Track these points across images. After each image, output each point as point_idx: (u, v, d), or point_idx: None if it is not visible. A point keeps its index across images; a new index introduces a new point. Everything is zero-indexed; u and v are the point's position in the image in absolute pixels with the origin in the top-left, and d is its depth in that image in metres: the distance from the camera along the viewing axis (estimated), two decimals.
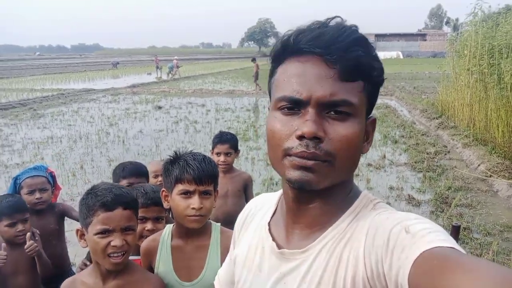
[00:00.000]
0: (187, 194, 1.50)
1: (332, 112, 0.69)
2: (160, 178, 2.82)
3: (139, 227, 1.70)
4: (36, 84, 23.76)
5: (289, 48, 0.72)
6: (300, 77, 0.70)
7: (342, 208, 0.76)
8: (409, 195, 5.77)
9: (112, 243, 1.36)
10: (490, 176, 6.21)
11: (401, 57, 64.32)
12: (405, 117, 12.46)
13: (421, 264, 0.55)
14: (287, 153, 0.70)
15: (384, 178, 6.66)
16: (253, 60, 20.99)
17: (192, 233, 1.56)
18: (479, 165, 6.90)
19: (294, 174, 0.70)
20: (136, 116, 12.99)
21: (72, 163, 7.58)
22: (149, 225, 1.82)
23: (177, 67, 28.89)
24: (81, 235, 1.45)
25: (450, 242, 0.58)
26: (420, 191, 6.02)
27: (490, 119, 8.22)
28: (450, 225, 2.47)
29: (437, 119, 11.14)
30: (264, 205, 0.92)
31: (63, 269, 2.62)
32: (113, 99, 17.45)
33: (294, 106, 0.70)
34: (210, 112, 13.72)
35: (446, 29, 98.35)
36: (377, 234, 0.66)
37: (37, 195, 2.45)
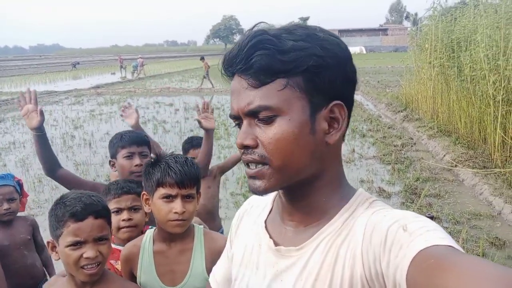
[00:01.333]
0: (169, 198, 1.45)
1: (260, 119, 0.72)
2: None
3: (115, 219, 1.67)
4: None
5: (223, 73, 0.78)
6: (232, 95, 0.76)
7: (335, 205, 0.76)
8: (379, 187, 5.91)
9: (85, 255, 1.30)
10: (456, 166, 6.44)
11: (364, 52, 65.68)
12: (371, 111, 12.75)
13: (419, 262, 0.56)
14: (244, 163, 0.77)
15: (354, 171, 6.78)
16: (202, 59, 21.59)
17: (175, 237, 1.52)
18: (444, 156, 7.14)
19: (249, 183, 0.77)
20: (102, 117, 12.66)
21: (37, 168, 7.27)
22: (124, 215, 1.75)
23: (142, 65, 28.35)
24: (53, 247, 1.38)
25: (448, 240, 0.58)
26: (390, 183, 6.18)
27: (452, 110, 8.53)
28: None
29: (402, 112, 11.46)
30: (260, 204, 0.93)
31: (36, 280, 2.52)
32: (76, 100, 16.93)
33: (238, 122, 0.76)
34: (179, 111, 13.55)
35: (406, 23, 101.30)
36: (375, 232, 0.66)
37: (5, 205, 2.32)
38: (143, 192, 1.55)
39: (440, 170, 6.58)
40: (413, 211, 4.15)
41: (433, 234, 0.59)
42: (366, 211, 0.73)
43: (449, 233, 4.43)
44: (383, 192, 5.73)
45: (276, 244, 0.80)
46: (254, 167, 0.73)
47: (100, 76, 30.82)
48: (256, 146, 0.72)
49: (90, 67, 43.94)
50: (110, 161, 2.14)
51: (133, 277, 1.57)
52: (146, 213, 1.74)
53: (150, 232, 1.59)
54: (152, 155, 2.12)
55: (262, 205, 0.92)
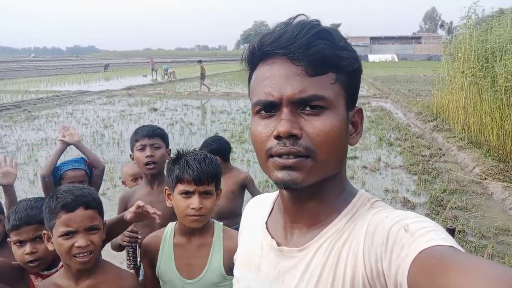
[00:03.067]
0: (187, 194, 1.51)
1: (307, 108, 0.70)
2: (139, 181, 2.68)
3: (19, 252, 1.62)
4: (30, 86, 23.61)
5: (256, 53, 0.74)
6: (270, 80, 0.71)
7: (338, 206, 0.76)
8: (404, 197, 5.78)
9: (76, 244, 1.37)
10: (485, 178, 6.23)
11: (396, 60, 64.63)
12: (400, 120, 12.50)
13: (420, 262, 0.55)
14: (269, 154, 0.71)
15: (379, 180, 6.67)
16: (199, 62, 22.12)
17: (195, 231, 1.57)
18: (474, 168, 6.92)
19: (279, 175, 0.71)
20: (131, 118, 12.94)
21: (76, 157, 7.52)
22: (27, 248, 1.62)
23: (171, 74, 28.96)
24: (48, 238, 1.46)
25: (449, 241, 0.58)
26: (415, 193, 6.03)
27: (484, 122, 8.26)
28: (445, 228, 2.47)
29: (432, 121, 11.18)
30: (261, 206, 0.93)
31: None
32: (108, 101, 17.39)
33: (269, 109, 0.72)
34: (206, 114, 13.71)
35: (441, 32, 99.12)
36: (376, 232, 0.66)
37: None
38: (165, 188, 1.61)
39: (468, 183, 6.38)
40: (438, 223, 4.09)
41: (435, 235, 0.59)
42: (368, 212, 0.73)
43: (474, 247, 4.31)
44: (408, 202, 5.60)
45: (278, 244, 0.80)
46: (293, 157, 0.69)
47: (132, 78, 31.53)
48: (300, 137, 0.69)
49: (123, 69, 45.09)
50: (130, 155, 2.23)
51: (153, 267, 1.62)
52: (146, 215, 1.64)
53: (171, 225, 1.65)
54: (169, 150, 2.18)
55: (262, 207, 0.92)
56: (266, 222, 0.87)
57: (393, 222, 0.64)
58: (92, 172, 2.56)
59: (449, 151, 8.51)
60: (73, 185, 1.51)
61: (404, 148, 8.68)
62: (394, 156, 8.22)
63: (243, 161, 7.74)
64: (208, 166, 1.53)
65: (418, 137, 9.84)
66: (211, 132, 10.51)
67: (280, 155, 0.70)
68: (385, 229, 0.64)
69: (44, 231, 1.47)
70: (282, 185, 0.71)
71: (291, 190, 0.75)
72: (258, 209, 0.93)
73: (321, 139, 0.69)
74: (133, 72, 38.05)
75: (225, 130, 10.59)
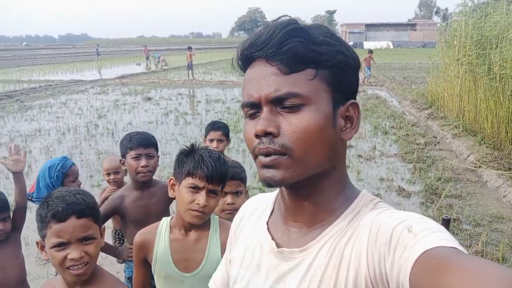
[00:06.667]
0: (195, 189, 1.50)
1: (285, 106, 0.70)
2: (112, 176, 2.87)
3: (220, 201, 1.72)
4: (23, 75, 23.37)
5: (240, 59, 0.76)
6: (251, 82, 0.73)
7: (338, 206, 0.76)
8: (399, 186, 5.80)
9: (69, 256, 1.27)
10: (480, 166, 6.26)
11: (391, 47, 64.49)
12: (395, 108, 12.51)
13: (422, 263, 0.55)
14: (255, 154, 0.73)
15: (374, 169, 6.69)
16: (189, 48, 21.35)
17: (192, 225, 1.57)
18: (468, 156, 6.96)
19: (260, 173, 0.73)
20: (125, 107, 12.86)
21: (61, 156, 7.48)
22: (229, 199, 1.88)
23: (163, 61, 28.85)
24: (42, 247, 1.35)
25: (452, 242, 0.58)
26: (410, 182, 6.06)
27: (479, 109, 8.28)
28: (440, 218, 2.47)
29: (426, 109, 11.20)
30: (260, 205, 0.92)
31: None
32: (101, 90, 17.24)
33: (253, 110, 0.74)
34: (200, 103, 13.64)
35: (436, 19, 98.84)
36: (380, 232, 0.65)
37: (78, 181, 2.65)
38: (171, 177, 1.59)
39: (463, 171, 6.41)
40: (432, 211, 4.08)
41: (438, 236, 0.59)
42: (371, 212, 0.72)
43: (469, 235, 4.35)
44: (403, 191, 5.63)
45: (278, 246, 0.79)
46: (271, 156, 0.71)
47: (126, 66, 31.25)
48: (277, 135, 0.70)
49: (116, 57, 44.67)
50: (120, 160, 2.29)
51: (146, 263, 1.61)
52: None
53: (166, 220, 1.64)
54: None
55: (262, 206, 0.91)
56: (267, 222, 0.86)
57: (397, 223, 0.64)
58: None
59: (443, 139, 8.54)
60: (67, 190, 1.39)
61: (399, 137, 8.70)
62: (389, 145, 8.25)
63: (238, 151, 7.74)
64: (221, 166, 1.53)
65: (413, 125, 9.86)
66: (206, 122, 10.46)
67: (261, 154, 0.71)
68: (389, 229, 0.64)
69: (37, 240, 1.38)
70: (263, 182, 0.72)
71: (288, 188, 0.77)
72: (259, 208, 0.91)
73: (297, 135, 0.69)
74: (127, 61, 37.71)
75: (220, 119, 10.53)
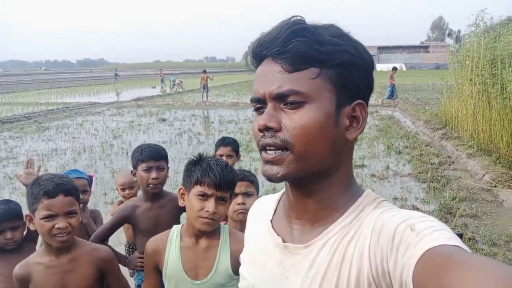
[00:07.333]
0: (204, 196, 1.53)
1: (287, 103, 0.73)
2: (127, 191, 2.92)
3: (232, 202, 1.80)
4: (41, 98, 23.96)
5: (251, 58, 0.80)
6: (259, 79, 0.77)
7: (342, 204, 0.76)
8: (413, 205, 5.73)
9: (56, 226, 1.56)
10: (495, 186, 6.16)
11: (404, 69, 64.39)
12: (409, 128, 12.44)
13: (426, 262, 0.55)
14: (259, 147, 0.76)
15: (388, 188, 6.62)
16: (204, 71, 22.51)
17: (202, 233, 1.59)
18: (483, 176, 6.85)
19: (264, 169, 0.75)
20: (140, 128, 13.04)
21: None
22: (239, 199, 1.97)
23: (178, 84, 29.36)
24: (30, 219, 1.64)
25: (455, 240, 0.58)
26: (424, 201, 5.98)
27: (494, 129, 8.19)
28: None
29: (440, 129, 11.11)
30: (265, 205, 0.94)
31: None
32: (117, 112, 17.54)
33: (260, 105, 0.77)
34: (214, 124, 13.76)
35: (449, 40, 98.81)
36: (383, 231, 0.66)
37: (85, 197, 2.55)
38: (180, 187, 1.63)
39: (478, 190, 6.30)
40: None
41: (441, 234, 0.59)
42: (374, 211, 0.73)
43: (485, 255, 4.23)
44: (417, 210, 5.53)
45: (284, 241, 0.81)
46: (273, 152, 0.73)
47: (141, 89, 31.81)
48: (279, 130, 0.72)
49: (132, 80, 45.54)
50: (131, 171, 2.33)
51: (157, 270, 1.64)
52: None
53: (177, 228, 1.67)
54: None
55: (267, 206, 0.93)
56: (271, 220, 0.87)
57: (400, 221, 0.64)
58: (91, 182, 2.62)
59: (458, 158, 8.43)
60: (54, 174, 1.68)
61: (413, 156, 8.62)
62: (403, 164, 8.17)
63: (251, 170, 7.74)
64: (229, 173, 1.56)
65: (427, 145, 9.76)
66: None
67: (264, 148, 0.74)
68: (392, 228, 0.64)
69: (27, 214, 1.65)
70: (265, 178, 0.75)
71: (291, 184, 0.79)
72: (263, 208, 0.93)
73: (297, 131, 0.71)
74: (142, 84, 38.43)
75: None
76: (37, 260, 1.67)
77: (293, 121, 0.71)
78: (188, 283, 1.56)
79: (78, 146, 10.28)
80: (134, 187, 2.93)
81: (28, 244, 2.36)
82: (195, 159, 1.61)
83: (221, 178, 1.52)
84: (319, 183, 0.76)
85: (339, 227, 0.73)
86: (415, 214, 0.66)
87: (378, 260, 0.64)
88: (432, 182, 6.78)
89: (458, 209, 5.41)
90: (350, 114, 0.76)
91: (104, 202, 6.12)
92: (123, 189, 2.94)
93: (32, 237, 2.40)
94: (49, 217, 1.56)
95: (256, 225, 0.92)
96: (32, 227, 1.64)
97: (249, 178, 2.02)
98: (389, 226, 0.65)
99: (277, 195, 0.92)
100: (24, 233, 2.34)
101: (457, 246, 0.56)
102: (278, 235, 0.82)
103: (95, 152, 9.58)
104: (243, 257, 0.93)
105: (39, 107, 19.28)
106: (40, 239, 2.47)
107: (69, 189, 1.61)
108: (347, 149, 0.78)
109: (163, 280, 1.63)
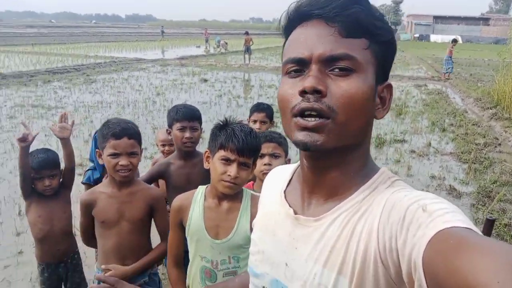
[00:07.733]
0: (227, 161, 1.57)
1: (336, 70, 0.70)
2: (167, 148, 2.98)
3: (258, 162, 1.88)
4: (90, 51, 24.66)
5: (293, 16, 0.75)
6: (302, 40, 0.72)
7: (358, 181, 0.76)
8: (450, 185, 5.57)
9: (120, 163, 1.82)
10: None
11: (460, 41, 60.81)
12: (457, 105, 11.88)
13: (437, 243, 0.55)
14: (293, 114, 0.71)
15: (426, 166, 6.45)
16: (246, 33, 21.82)
17: (225, 196, 1.65)
18: None
19: (299, 136, 0.71)
20: (182, 87, 13.24)
21: None
22: (266, 160, 2.06)
23: (223, 45, 29.16)
24: (99, 155, 1.89)
25: (467, 223, 0.57)
26: (463, 182, 5.79)
27: None
28: (485, 218, 2.37)
29: (491, 109, 10.54)
30: (280, 175, 0.94)
31: None
32: (161, 69, 17.83)
33: (299, 68, 0.72)
34: (254, 88, 13.73)
35: None
36: (394, 210, 0.66)
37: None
38: (206, 150, 1.68)
39: None
40: (483, 214, 3.86)
41: (453, 216, 0.58)
42: (387, 190, 0.72)
43: None
44: (454, 191, 5.40)
45: (295, 213, 0.82)
46: (314, 119, 0.69)
47: (186, 48, 31.98)
48: (325, 95, 0.69)
49: (178, 38, 45.80)
50: (167, 130, 2.42)
51: (181, 226, 1.72)
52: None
53: (202, 188, 1.73)
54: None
55: (281, 176, 0.93)
56: (284, 191, 0.88)
57: (411, 202, 0.64)
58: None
59: (506, 141, 8.03)
60: (121, 119, 1.94)
61: (458, 135, 8.29)
62: (446, 143, 7.89)
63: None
64: (253, 140, 1.58)
65: (474, 124, 9.33)
66: None
67: (303, 112, 0.70)
68: (403, 207, 0.64)
69: (97, 150, 1.92)
70: (301, 146, 0.71)
71: (312, 157, 0.76)
72: (278, 178, 0.94)
73: (344, 100, 0.69)
74: (188, 43, 38.57)
75: (272, 104, 10.55)
76: (102, 190, 1.96)
77: (341, 88, 0.69)
78: (208, 241, 1.63)
79: (123, 101, 10.62)
80: (173, 144, 3.02)
81: (63, 191, 2.54)
82: (221, 123, 1.64)
83: (244, 144, 1.54)
84: (342, 158, 0.75)
85: (351, 204, 0.74)
86: (427, 195, 0.66)
87: (387, 237, 0.64)
88: (474, 163, 6.53)
89: (498, 193, 5.21)
90: (380, 94, 0.76)
91: (144, 157, 6.34)
92: (163, 145, 3.03)
93: (67, 185, 2.56)
94: (114, 155, 1.82)
95: (270, 193, 0.93)
96: (100, 161, 1.89)
97: (277, 139, 2.04)
98: (401, 205, 0.65)
99: (292, 167, 0.92)
100: (60, 180, 2.50)
101: (469, 228, 0.55)
102: (290, 206, 0.83)
103: (138, 108, 9.87)
104: (256, 223, 0.95)
105: (88, 59, 19.90)
106: (74, 186, 2.65)
107: (132, 133, 1.86)
108: (371, 127, 0.78)
109: (186, 236, 1.70)
